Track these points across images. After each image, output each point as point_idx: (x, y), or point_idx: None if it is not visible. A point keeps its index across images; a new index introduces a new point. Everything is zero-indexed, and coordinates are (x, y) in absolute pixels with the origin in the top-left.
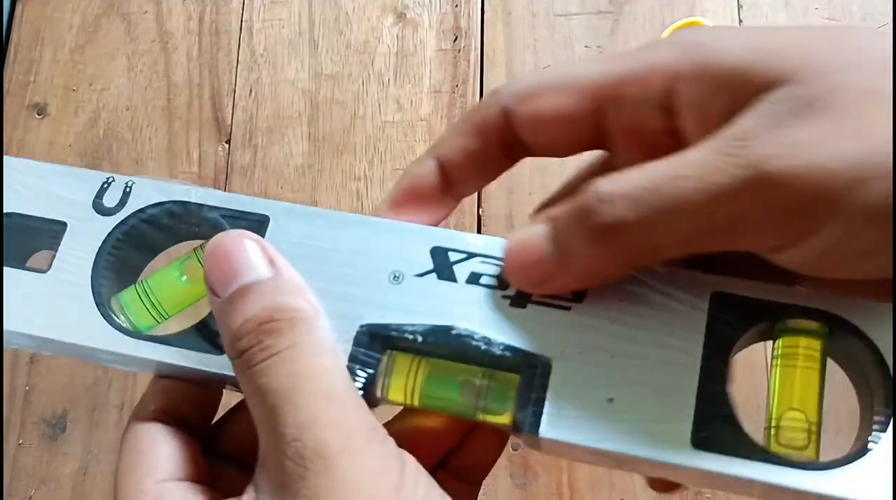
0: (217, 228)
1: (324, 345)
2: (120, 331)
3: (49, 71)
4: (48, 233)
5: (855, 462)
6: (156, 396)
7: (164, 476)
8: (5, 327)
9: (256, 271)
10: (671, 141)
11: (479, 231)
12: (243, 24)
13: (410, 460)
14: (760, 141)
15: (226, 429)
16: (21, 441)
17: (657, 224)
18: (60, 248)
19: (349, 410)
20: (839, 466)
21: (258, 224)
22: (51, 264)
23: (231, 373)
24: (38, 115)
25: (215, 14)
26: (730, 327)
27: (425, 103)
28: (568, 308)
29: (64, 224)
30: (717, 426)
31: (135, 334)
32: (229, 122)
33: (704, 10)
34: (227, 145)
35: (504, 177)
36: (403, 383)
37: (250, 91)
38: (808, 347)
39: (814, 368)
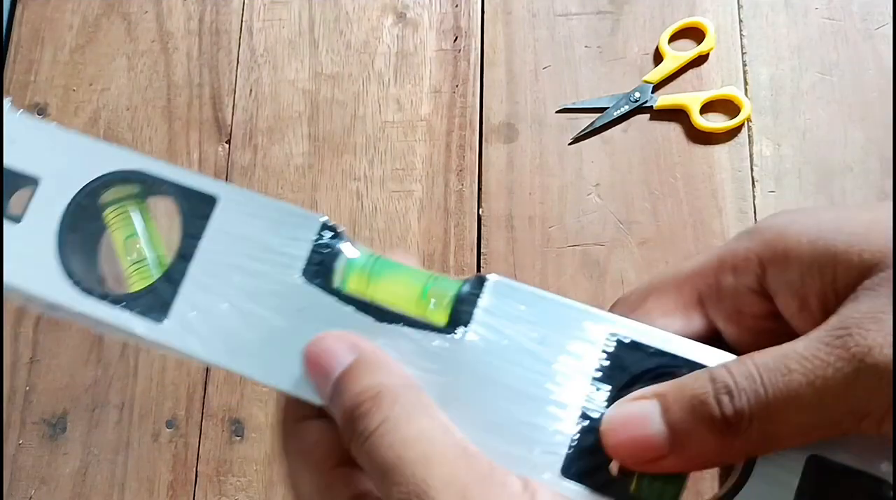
0: (174, 199)
1: (414, 409)
2: (75, 286)
3: (49, 71)
4: (25, 187)
5: None
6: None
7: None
8: None
9: (340, 364)
10: (773, 323)
11: (478, 232)
12: (243, 24)
13: (542, 492)
14: (863, 331)
15: None
16: (21, 441)
17: (774, 417)
18: (31, 203)
19: (456, 465)
20: None
21: (206, 202)
22: (22, 218)
23: (172, 345)
24: (39, 115)
25: (215, 14)
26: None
27: (425, 103)
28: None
29: (37, 180)
30: (591, 465)
31: (86, 290)
32: (229, 122)
33: (704, 10)
34: (227, 145)
35: (504, 177)
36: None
37: (250, 91)
38: None
39: None
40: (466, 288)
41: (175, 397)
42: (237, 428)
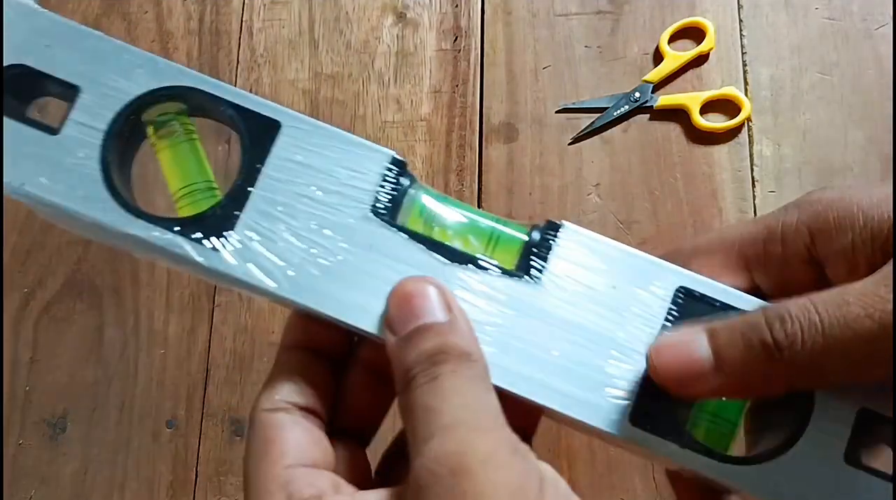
0: (230, 122)
1: (480, 379)
2: (123, 207)
3: None
4: (60, 95)
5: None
6: (281, 380)
7: (291, 462)
8: (7, 180)
9: (434, 315)
10: (820, 289)
11: None
12: (243, 24)
13: (550, 472)
14: None
15: (341, 406)
16: (21, 441)
17: (827, 347)
18: (72, 114)
19: (492, 425)
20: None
21: (269, 127)
22: (60, 128)
23: (232, 273)
24: (39, 114)
25: (215, 14)
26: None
27: (425, 103)
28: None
29: (77, 89)
30: (658, 410)
31: (134, 212)
32: None
33: (704, 10)
34: (227, 145)
35: (504, 177)
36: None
37: (250, 91)
38: None
39: None
40: (537, 234)
41: (175, 397)
42: (237, 428)
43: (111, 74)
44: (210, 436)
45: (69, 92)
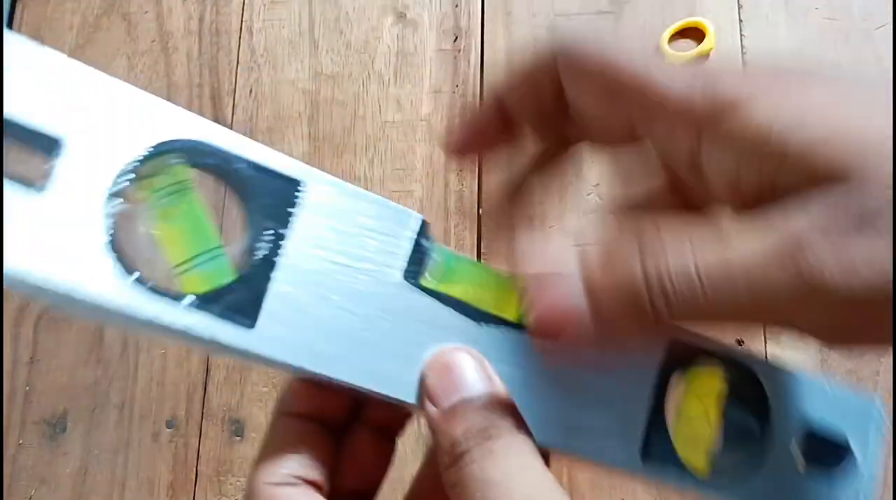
0: (246, 182)
1: (533, 451)
2: (138, 284)
3: None
4: (40, 148)
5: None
6: (284, 451)
7: None
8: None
9: (476, 387)
10: (696, 178)
11: (478, 232)
12: (243, 24)
13: None
14: (818, 250)
15: (344, 469)
16: (21, 441)
17: (704, 319)
18: (56, 169)
19: (561, 497)
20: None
21: (290, 187)
22: (44, 186)
23: (259, 352)
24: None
25: (215, 14)
26: (677, 367)
27: (425, 103)
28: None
29: (59, 142)
30: (660, 445)
31: (150, 289)
32: (229, 122)
33: (705, 10)
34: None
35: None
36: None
37: (250, 91)
38: (710, 386)
39: (711, 404)
40: None
41: (175, 397)
42: (237, 428)
43: (106, 124)
44: (210, 436)
45: (51, 145)
